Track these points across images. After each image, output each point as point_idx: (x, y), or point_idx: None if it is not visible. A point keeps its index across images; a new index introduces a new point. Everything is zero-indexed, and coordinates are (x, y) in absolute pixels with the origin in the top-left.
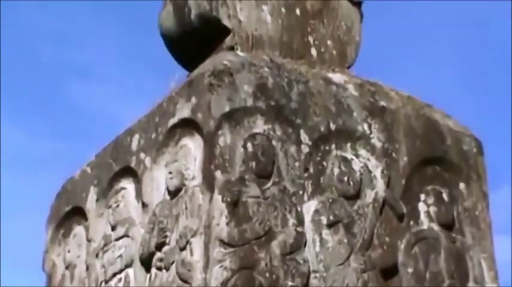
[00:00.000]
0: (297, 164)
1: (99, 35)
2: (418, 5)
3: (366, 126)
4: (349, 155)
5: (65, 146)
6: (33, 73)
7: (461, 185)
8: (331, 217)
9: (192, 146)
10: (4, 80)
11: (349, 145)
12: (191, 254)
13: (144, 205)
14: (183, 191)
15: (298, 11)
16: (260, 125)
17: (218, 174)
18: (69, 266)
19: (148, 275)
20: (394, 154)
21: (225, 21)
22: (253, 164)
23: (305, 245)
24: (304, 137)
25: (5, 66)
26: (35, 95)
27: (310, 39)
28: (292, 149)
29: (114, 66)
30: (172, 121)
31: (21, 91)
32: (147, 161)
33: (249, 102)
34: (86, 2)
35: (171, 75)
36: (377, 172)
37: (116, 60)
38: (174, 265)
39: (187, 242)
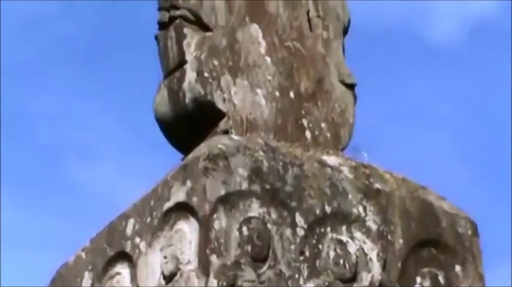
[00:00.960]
0: (292, 247)
1: (99, 115)
2: (411, 85)
3: (361, 209)
4: (344, 237)
5: (64, 225)
6: (33, 153)
7: (457, 268)
8: None
9: (188, 230)
10: (4, 159)
11: (344, 227)
12: None
13: None
14: (178, 276)
15: (292, 94)
16: (255, 209)
17: (213, 258)
18: None
19: None
20: (389, 237)
21: (220, 105)
22: (249, 247)
23: None
24: (299, 220)
25: (5, 147)
26: (35, 175)
27: (305, 122)
28: (288, 232)
29: (114, 146)
30: (168, 205)
31: (20, 171)
32: (142, 245)
33: (244, 185)
34: (86, 82)
35: (167, 158)
36: (373, 255)
37: (116, 140)
38: None
39: None
